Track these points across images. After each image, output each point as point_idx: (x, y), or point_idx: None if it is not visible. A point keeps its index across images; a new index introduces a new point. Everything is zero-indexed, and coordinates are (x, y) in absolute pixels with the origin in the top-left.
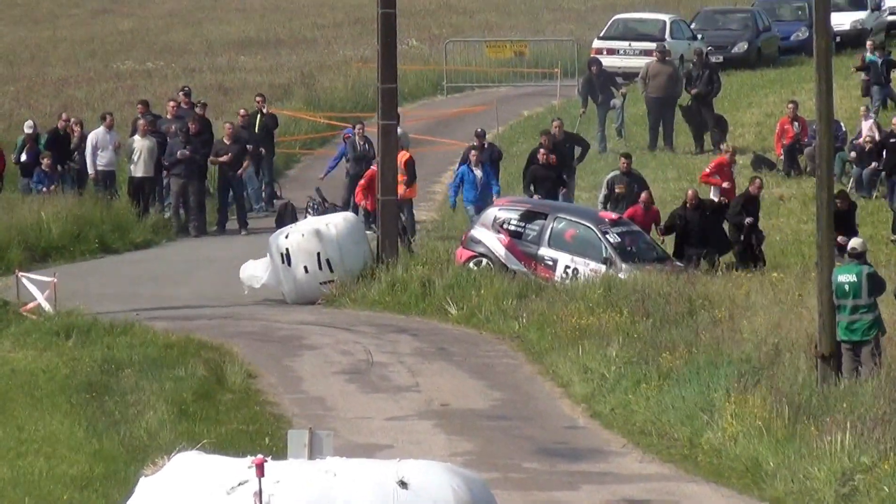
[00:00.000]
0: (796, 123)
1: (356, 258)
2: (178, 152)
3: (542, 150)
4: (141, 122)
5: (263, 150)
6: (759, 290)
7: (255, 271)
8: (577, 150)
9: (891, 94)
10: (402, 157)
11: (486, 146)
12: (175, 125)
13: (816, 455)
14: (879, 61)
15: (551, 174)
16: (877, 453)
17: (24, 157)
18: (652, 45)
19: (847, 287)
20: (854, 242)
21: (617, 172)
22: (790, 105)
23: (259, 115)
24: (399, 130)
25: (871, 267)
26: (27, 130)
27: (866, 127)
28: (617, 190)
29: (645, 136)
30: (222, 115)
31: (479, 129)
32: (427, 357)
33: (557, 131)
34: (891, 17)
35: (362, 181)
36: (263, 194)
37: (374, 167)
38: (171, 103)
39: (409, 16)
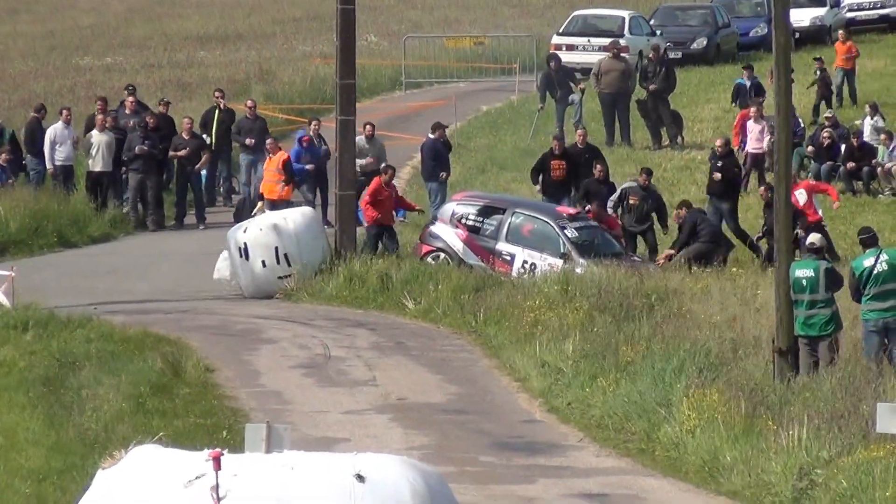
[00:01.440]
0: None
1: (314, 252)
2: (137, 147)
3: (554, 161)
4: (99, 116)
5: (253, 141)
6: (717, 285)
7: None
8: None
9: None
10: (281, 157)
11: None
12: (133, 120)
13: (774, 449)
14: (748, 84)
15: (564, 187)
16: (834, 448)
17: None
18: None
19: (804, 282)
20: (812, 237)
21: (634, 184)
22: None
23: (217, 111)
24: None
25: (829, 262)
26: None
27: (757, 129)
28: (631, 201)
29: (602, 131)
30: (181, 109)
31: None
32: (384, 351)
33: (580, 139)
34: (850, 14)
35: (366, 196)
36: (222, 189)
37: (378, 178)
38: (130, 99)
39: (369, 11)
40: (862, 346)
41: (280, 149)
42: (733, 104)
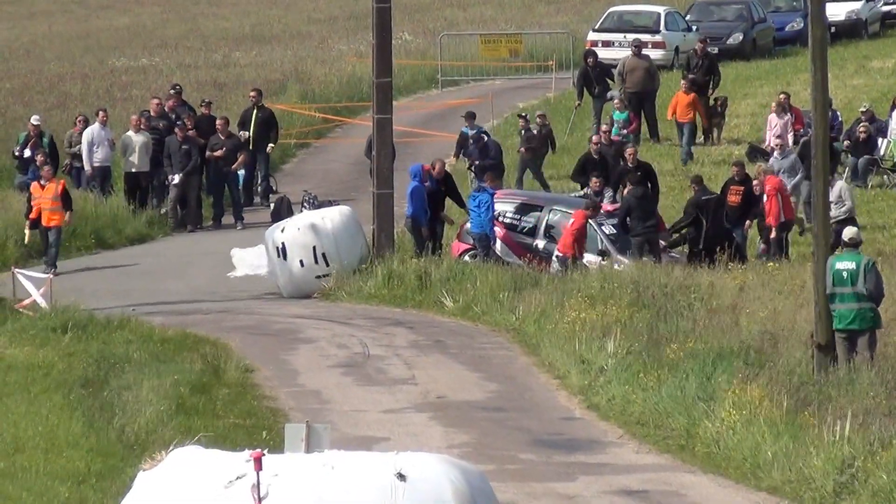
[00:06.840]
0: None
1: (352, 252)
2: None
3: (733, 186)
4: (133, 117)
5: (272, 145)
6: (755, 281)
7: (247, 258)
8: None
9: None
10: (57, 185)
11: (483, 139)
12: (163, 122)
13: (815, 444)
14: (470, 133)
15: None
16: (875, 441)
17: (27, 153)
18: (648, 37)
19: (845, 274)
20: (850, 232)
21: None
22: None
23: (255, 110)
24: None
25: (870, 258)
26: (34, 122)
27: (780, 124)
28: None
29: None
30: (217, 110)
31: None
32: (423, 350)
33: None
34: (886, 7)
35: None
36: (259, 189)
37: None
38: (169, 101)
39: (404, 10)
40: None
41: (54, 177)
42: (456, 157)
